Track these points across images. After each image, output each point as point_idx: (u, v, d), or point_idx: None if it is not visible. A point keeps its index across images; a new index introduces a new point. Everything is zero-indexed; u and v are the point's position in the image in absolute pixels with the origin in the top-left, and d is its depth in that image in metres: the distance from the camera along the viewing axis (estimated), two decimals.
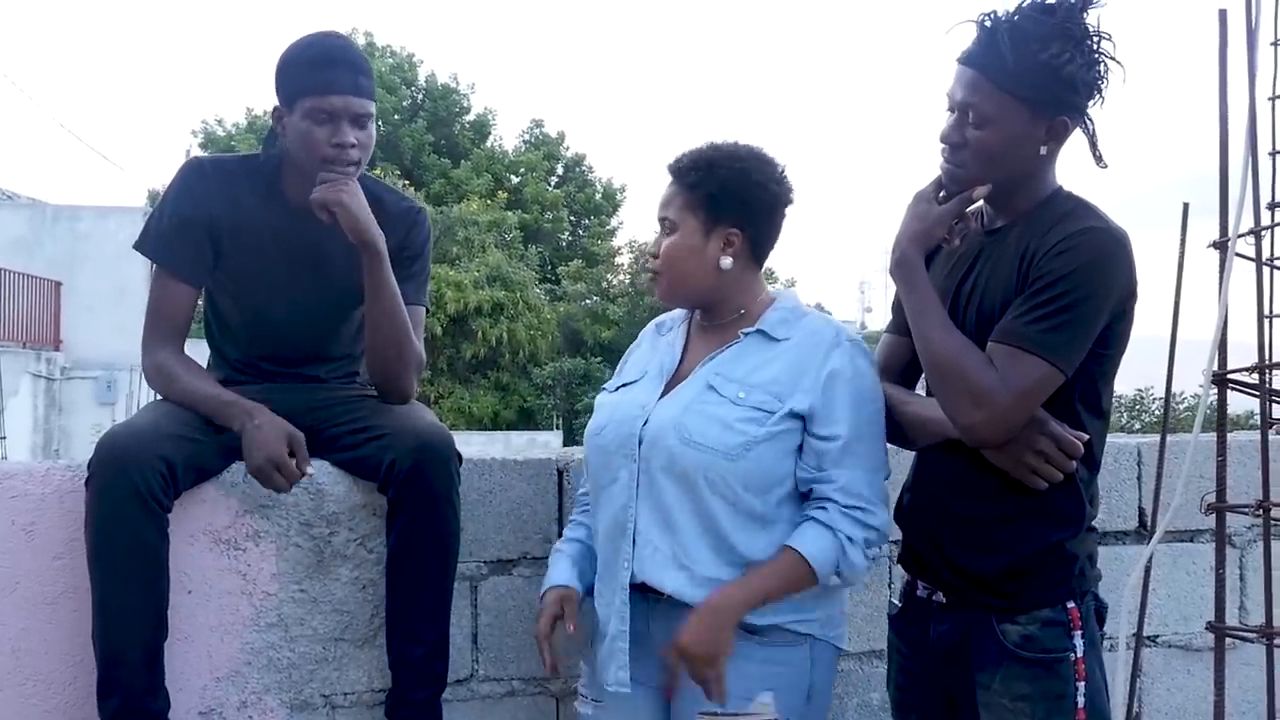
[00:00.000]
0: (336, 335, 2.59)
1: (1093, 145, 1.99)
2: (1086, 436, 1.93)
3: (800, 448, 2.05)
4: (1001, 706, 1.94)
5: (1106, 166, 2.00)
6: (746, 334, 2.13)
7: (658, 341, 2.28)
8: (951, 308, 2.02)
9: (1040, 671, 1.92)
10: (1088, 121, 1.96)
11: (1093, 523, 2.02)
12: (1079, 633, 1.93)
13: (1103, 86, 1.92)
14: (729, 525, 2.02)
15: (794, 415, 2.03)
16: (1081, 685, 1.91)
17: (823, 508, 2.02)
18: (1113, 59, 1.91)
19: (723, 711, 1.98)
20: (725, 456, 2.01)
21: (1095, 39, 1.89)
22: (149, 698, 2.21)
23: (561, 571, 2.22)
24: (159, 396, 2.46)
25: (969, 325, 1.98)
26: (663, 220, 2.15)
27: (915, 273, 2.01)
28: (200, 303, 2.55)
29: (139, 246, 2.49)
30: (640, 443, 2.08)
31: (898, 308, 2.19)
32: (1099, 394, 1.97)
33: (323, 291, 2.51)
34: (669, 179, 2.16)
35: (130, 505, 2.14)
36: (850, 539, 2.00)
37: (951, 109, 1.97)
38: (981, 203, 2.05)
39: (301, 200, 2.40)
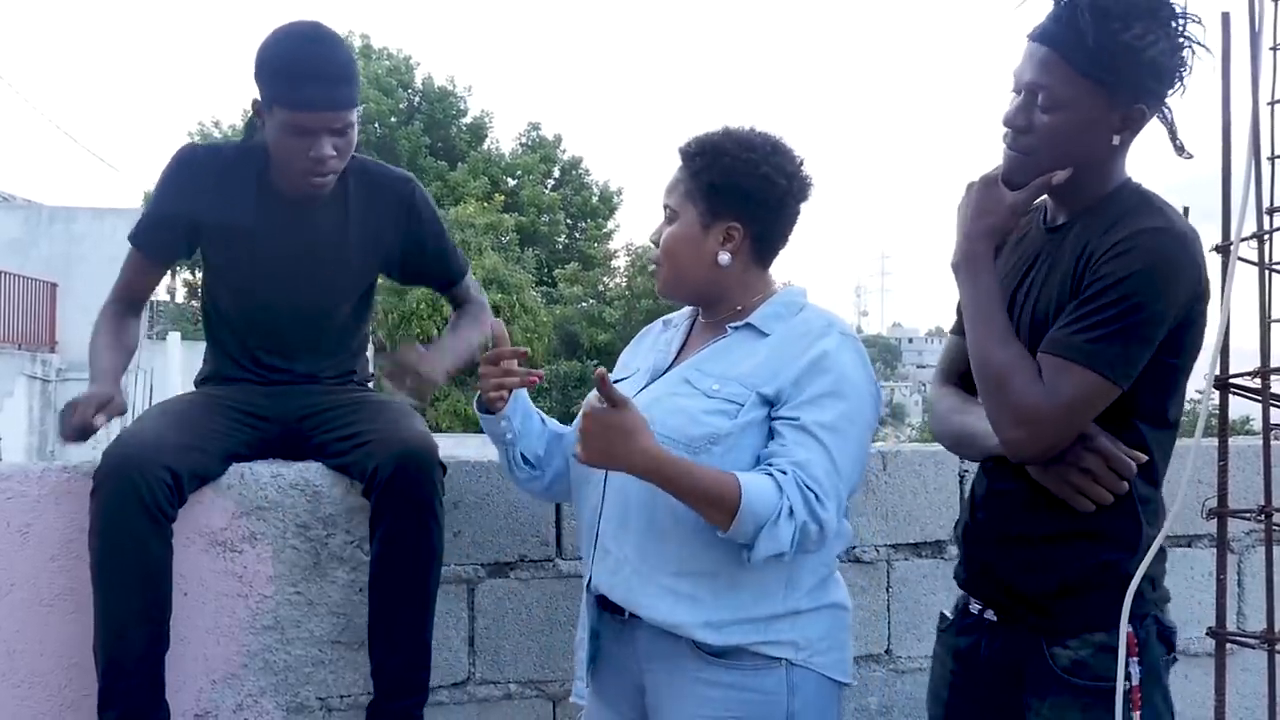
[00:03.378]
0: (328, 325, 2.58)
1: (1172, 135, 1.84)
2: (1144, 457, 1.78)
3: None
4: None
5: (1191, 156, 1.85)
6: (735, 328, 1.99)
7: (658, 339, 2.16)
8: (1009, 312, 1.90)
9: (1091, 700, 1.79)
10: (1166, 110, 1.81)
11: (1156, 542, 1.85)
12: (1135, 659, 1.79)
13: (1185, 74, 1.77)
14: (692, 527, 1.86)
15: (764, 401, 1.88)
16: (1137, 715, 1.78)
17: (783, 471, 1.81)
18: (1200, 44, 1.77)
19: None
20: (688, 449, 1.86)
21: (1183, 21, 1.75)
22: (150, 709, 2.21)
23: None
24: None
25: (1023, 331, 1.86)
26: (665, 207, 2.03)
27: (983, 270, 1.86)
28: (198, 301, 2.57)
29: (132, 239, 2.53)
30: None
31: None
32: (1165, 407, 1.82)
33: (313, 281, 2.50)
34: (678, 161, 2.03)
35: (136, 517, 2.13)
36: (791, 511, 1.77)
37: (1018, 90, 1.82)
38: (1047, 195, 1.89)
39: (289, 191, 2.41)
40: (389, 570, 2.32)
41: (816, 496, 1.80)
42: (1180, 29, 1.74)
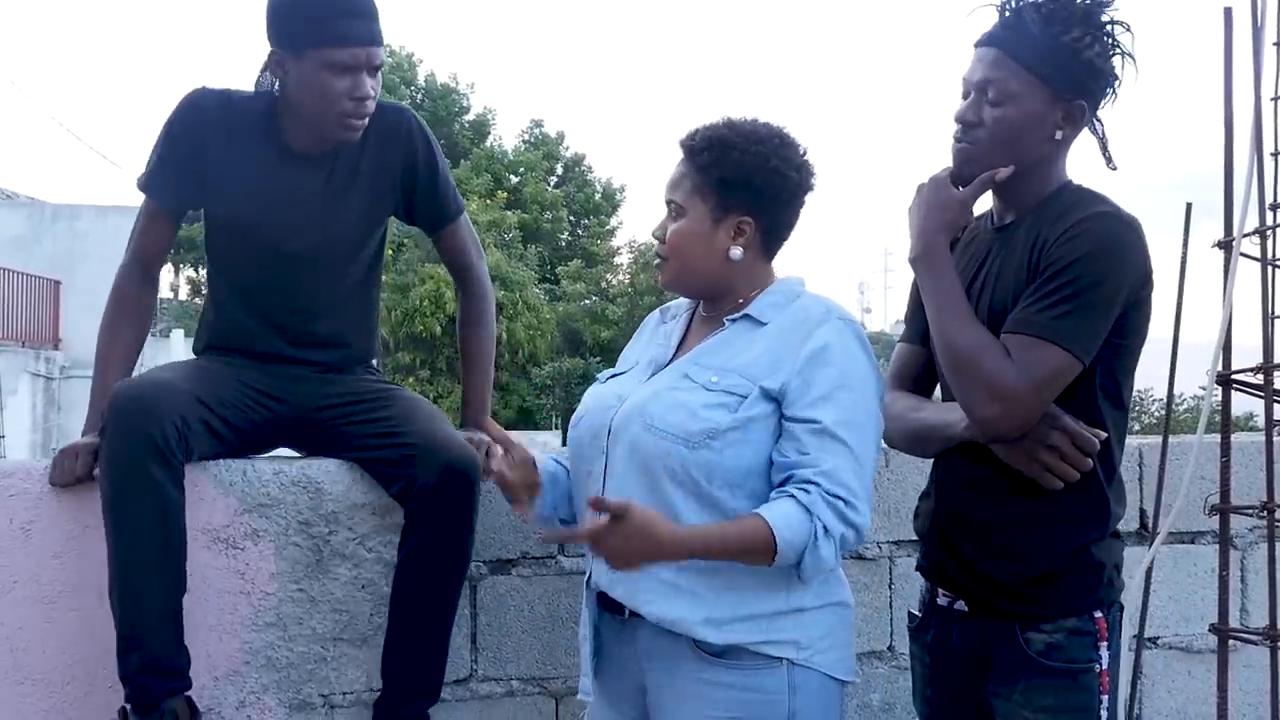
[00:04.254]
0: (342, 280, 2.53)
1: (1103, 146, 1.97)
2: (1104, 434, 1.87)
3: (778, 436, 1.87)
4: (1022, 718, 1.87)
5: (1116, 168, 1.97)
6: (732, 320, 1.98)
7: (657, 331, 2.14)
8: None
9: (1065, 682, 1.85)
10: (1097, 122, 1.94)
11: (1118, 527, 1.95)
12: (1105, 644, 1.86)
13: (1116, 81, 1.91)
14: (696, 523, 1.84)
15: (768, 396, 1.86)
16: (1105, 699, 1.85)
17: (804, 489, 1.80)
18: (1129, 54, 1.90)
19: None
20: (686, 444, 1.84)
21: (1114, 30, 1.89)
22: (171, 652, 2.19)
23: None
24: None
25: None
26: (670, 203, 1.99)
27: (943, 264, 1.94)
28: (200, 299, 2.53)
29: (141, 185, 2.46)
30: (609, 433, 1.94)
31: (912, 316, 2.15)
32: (1118, 387, 1.91)
33: (325, 231, 2.44)
34: (680, 156, 2.00)
35: (147, 455, 2.11)
36: (827, 529, 1.78)
37: (967, 92, 1.94)
38: (992, 198, 2.00)
39: (300, 146, 2.37)
40: (420, 579, 2.32)
41: (846, 502, 1.81)
42: (1113, 38, 1.89)
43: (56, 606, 2.31)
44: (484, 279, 2.71)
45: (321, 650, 2.44)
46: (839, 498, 1.80)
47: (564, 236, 33.64)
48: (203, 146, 2.39)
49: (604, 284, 30.27)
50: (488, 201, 28.34)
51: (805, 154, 2.00)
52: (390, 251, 24.63)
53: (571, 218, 33.91)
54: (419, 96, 32.81)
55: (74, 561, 2.30)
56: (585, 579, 2.02)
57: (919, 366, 2.14)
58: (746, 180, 1.93)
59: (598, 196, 34.58)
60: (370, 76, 2.29)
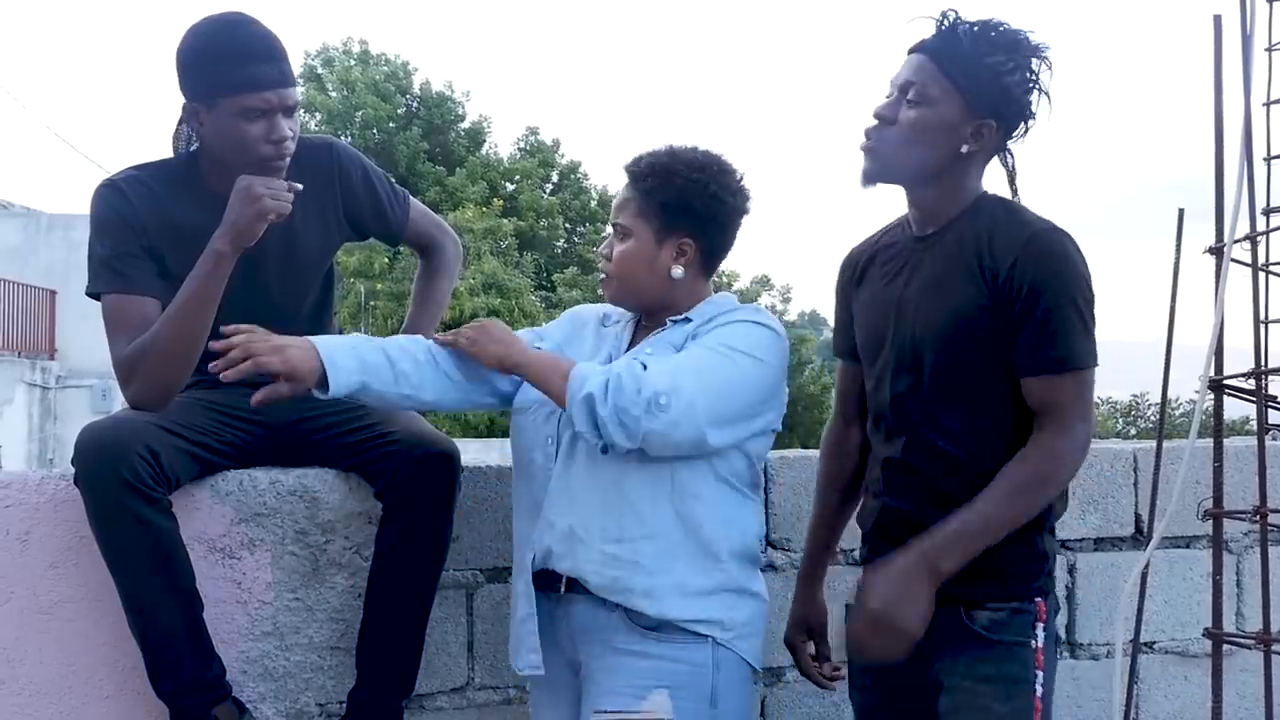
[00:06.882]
0: (296, 319, 2.49)
1: (1010, 177, 2.05)
2: None
3: None
4: (964, 688, 1.96)
5: (1018, 198, 2.04)
6: (675, 321, 2.13)
7: (604, 333, 2.26)
8: (897, 316, 2.03)
9: (1003, 652, 1.96)
10: (1008, 154, 2.03)
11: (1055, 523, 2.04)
12: (1042, 625, 1.97)
13: (1029, 114, 1.99)
14: (633, 496, 2.00)
15: None
16: (1040, 674, 1.95)
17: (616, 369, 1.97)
18: (1044, 91, 1.98)
19: (614, 711, 1.97)
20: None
21: (1037, 65, 1.97)
22: (201, 669, 2.23)
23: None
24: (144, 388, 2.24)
25: (914, 334, 1.99)
26: (616, 225, 2.16)
27: None
28: None
29: (93, 292, 2.35)
30: (559, 419, 2.07)
31: (843, 328, 2.21)
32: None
33: (273, 277, 2.43)
34: (625, 180, 2.16)
35: (125, 496, 2.11)
36: (619, 385, 1.90)
37: (891, 93, 2.02)
38: (908, 208, 2.08)
39: (228, 194, 2.27)
40: (398, 569, 2.32)
41: (659, 394, 1.90)
42: (1034, 72, 1.97)
43: (53, 617, 2.31)
44: (447, 246, 2.76)
45: (318, 659, 2.44)
46: (627, 379, 1.91)
47: (560, 243, 33.60)
48: (141, 225, 2.32)
49: (600, 291, 30.26)
50: (483, 209, 28.31)
51: (741, 179, 2.15)
52: (386, 260, 24.63)
53: (567, 225, 33.87)
54: (414, 104, 32.81)
55: (71, 572, 2.30)
56: (528, 560, 2.09)
57: (859, 388, 2.18)
58: (688, 205, 2.08)
59: (593, 203, 34.52)
60: (286, 117, 2.27)
